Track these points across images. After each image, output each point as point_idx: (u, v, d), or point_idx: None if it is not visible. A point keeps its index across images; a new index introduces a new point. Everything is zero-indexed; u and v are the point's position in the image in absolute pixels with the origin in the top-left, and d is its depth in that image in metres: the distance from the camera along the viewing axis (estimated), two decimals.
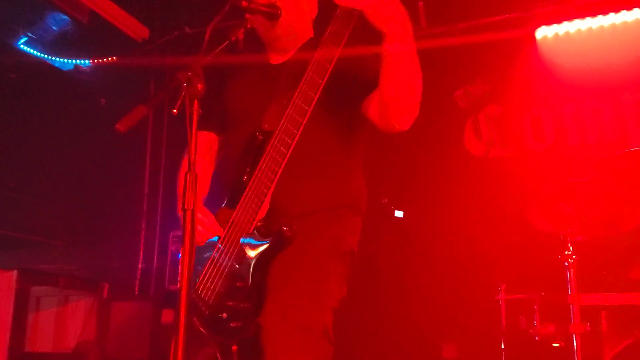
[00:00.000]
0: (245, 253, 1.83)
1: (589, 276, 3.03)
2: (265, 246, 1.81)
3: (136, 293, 5.09)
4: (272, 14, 1.92)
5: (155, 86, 5.46)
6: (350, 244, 1.97)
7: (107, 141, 4.84)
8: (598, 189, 2.97)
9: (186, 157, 1.47)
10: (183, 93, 1.48)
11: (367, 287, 4.26)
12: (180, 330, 1.37)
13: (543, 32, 4.52)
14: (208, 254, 1.93)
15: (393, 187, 4.47)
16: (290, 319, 1.74)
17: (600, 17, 4.38)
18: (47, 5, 4.66)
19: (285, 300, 1.77)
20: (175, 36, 5.22)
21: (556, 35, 4.50)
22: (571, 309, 2.86)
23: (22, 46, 4.92)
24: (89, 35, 4.96)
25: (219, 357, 1.84)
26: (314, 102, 1.78)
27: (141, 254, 5.24)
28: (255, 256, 1.81)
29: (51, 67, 5.11)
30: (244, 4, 1.83)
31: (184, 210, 1.44)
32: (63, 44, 5.02)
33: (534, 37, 4.51)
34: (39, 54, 5.02)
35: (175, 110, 1.46)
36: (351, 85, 1.92)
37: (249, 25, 1.80)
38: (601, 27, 4.39)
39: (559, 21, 4.48)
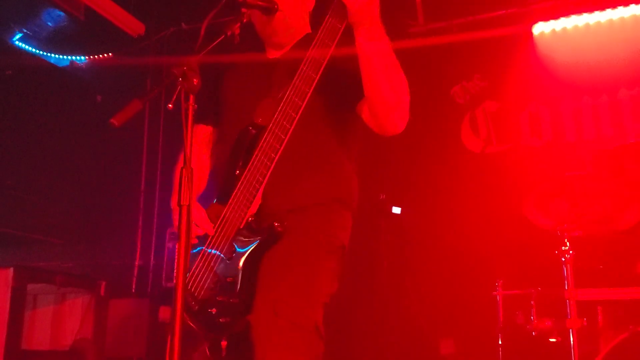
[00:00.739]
0: (235, 248, 1.82)
1: (585, 272, 3.04)
2: (256, 242, 1.81)
3: (133, 290, 5.07)
4: (269, 9, 1.91)
5: (152, 83, 5.44)
6: (341, 239, 1.96)
7: (103, 138, 4.83)
8: (595, 184, 2.98)
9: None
10: (178, 88, 1.47)
11: (364, 283, 4.26)
12: (176, 327, 1.37)
13: (540, 28, 4.52)
14: (198, 249, 1.91)
15: (391, 183, 4.46)
16: (281, 315, 1.72)
17: (597, 13, 4.39)
18: (43, 1, 4.63)
19: (275, 296, 1.76)
20: (172, 32, 5.21)
21: (553, 31, 4.50)
22: (568, 304, 2.86)
23: (17, 42, 4.89)
24: (84, 31, 4.93)
25: (208, 352, 1.83)
26: (308, 96, 1.78)
27: (138, 251, 5.23)
28: (246, 252, 1.80)
29: (47, 64, 5.09)
30: None
31: (180, 206, 1.44)
32: (59, 40, 4.99)
33: (531, 33, 4.51)
34: (34, 50, 4.99)
35: (170, 105, 1.45)
36: (345, 84, 1.91)
37: (245, 20, 1.79)
38: (598, 23, 4.40)
39: (556, 17, 4.48)
